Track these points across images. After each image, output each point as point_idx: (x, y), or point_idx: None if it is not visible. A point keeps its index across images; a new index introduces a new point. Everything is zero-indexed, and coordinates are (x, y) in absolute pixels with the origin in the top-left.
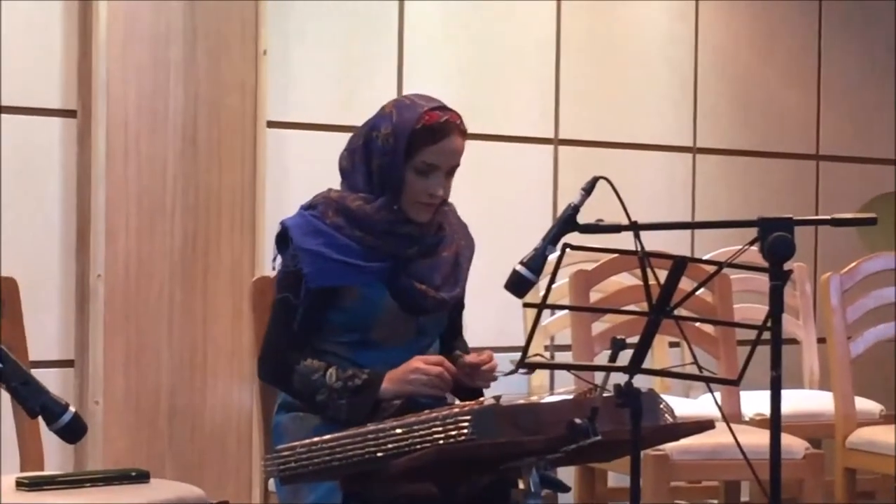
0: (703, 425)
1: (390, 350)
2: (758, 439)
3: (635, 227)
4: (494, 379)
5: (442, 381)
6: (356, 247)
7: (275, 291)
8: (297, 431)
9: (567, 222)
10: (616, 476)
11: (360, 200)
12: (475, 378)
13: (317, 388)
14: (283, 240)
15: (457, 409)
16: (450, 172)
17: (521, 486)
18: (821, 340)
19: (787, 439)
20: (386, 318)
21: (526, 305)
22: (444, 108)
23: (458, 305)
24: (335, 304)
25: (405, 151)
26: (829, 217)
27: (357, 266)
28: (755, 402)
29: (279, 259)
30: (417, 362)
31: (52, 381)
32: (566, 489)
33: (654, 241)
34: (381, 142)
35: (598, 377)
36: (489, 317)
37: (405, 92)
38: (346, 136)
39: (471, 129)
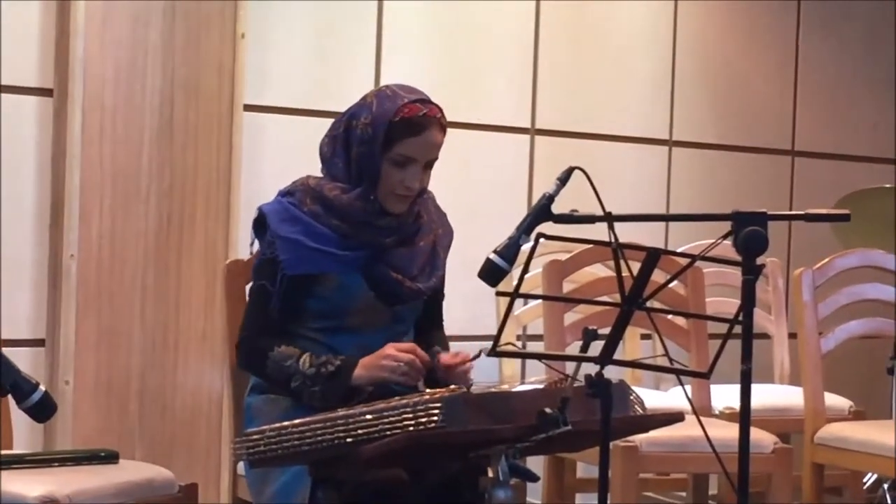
0: (673, 417)
1: (366, 335)
2: (727, 433)
3: (610, 219)
4: (469, 381)
5: (413, 368)
6: (333, 235)
7: (252, 279)
8: (269, 414)
9: (542, 212)
10: (585, 466)
11: (338, 190)
12: (450, 378)
13: (290, 374)
14: (261, 225)
15: (427, 397)
16: (427, 165)
17: (490, 474)
18: (792, 336)
19: (756, 433)
20: (361, 307)
21: (499, 294)
22: (424, 100)
23: (437, 294)
24: (311, 292)
25: (383, 142)
26: (802, 212)
27: (333, 254)
28: (725, 395)
29: (256, 244)
30: (390, 349)
31: (22, 359)
32: (535, 479)
33: (628, 233)
34: (360, 131)
35: (570, 367)
36: (462, 305)
37: (383, 77)
38: (323, 120)
39: (447, 117)
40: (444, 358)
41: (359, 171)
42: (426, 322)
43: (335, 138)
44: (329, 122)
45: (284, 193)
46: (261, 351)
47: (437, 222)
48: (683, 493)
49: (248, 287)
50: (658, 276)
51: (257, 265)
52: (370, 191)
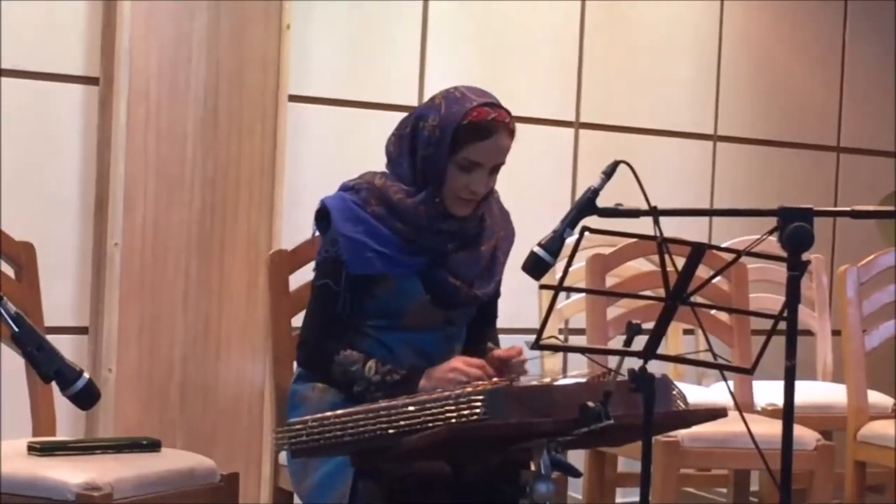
0: (716, 413)
1: (418, 335)
2: (769, 429)
3: (655, 213)
4: (525, 372)
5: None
6: (395, 238)
7: (315, 276)
8: (315, 402)
9: (586, 206)
10: (626, 461)
11: (402, 193)
12: (504, 372)
13: (355, 379)
14: (322, 218)
15: (470, 389)
16: (494, 170)
17: (532, 467)
18: (835, 333)
19: (798, 430)
20: (416, 309)
21: (542, 287)
22: (493, 104)
23: (494, 294)
24: (368, 291)
25: (450, 146)
26: (849, 209)
27: (394, 258)
28: (768, 391)
29: (317, 232)
30: (458, 362)
31: (65, 347)
32: (578, 474)
33: (672, 228)
34: (427, 133)
35: (612, 361)
36: (505, 298)
37: (427, 69)
38: (367, 111)
39: None
40: (498, 353)
41: (424, 173)
42: (480, 319)
43: (401, 138)
44: (373, 113)
45: (348, 189)
46: (326, 354)
47: (500, 225)
48: (724, 490)
49: (293, 277)
50: (702, 271)
51: (320, 262)
52: (435, 193)
